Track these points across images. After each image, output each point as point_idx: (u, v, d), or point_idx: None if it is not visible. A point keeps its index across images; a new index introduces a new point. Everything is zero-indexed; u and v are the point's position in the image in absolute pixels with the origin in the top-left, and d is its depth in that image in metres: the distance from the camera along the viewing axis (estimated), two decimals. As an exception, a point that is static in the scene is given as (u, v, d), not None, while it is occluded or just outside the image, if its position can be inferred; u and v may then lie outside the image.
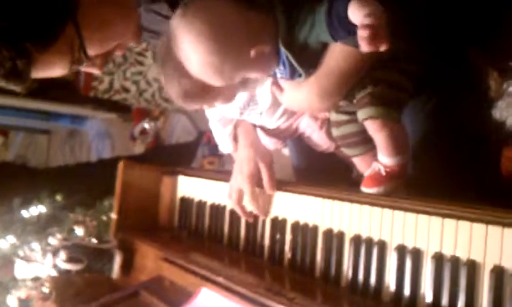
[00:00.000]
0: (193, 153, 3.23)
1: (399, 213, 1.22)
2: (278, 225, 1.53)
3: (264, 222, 1.58)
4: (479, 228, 1.07)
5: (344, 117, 1.40)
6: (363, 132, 1.36)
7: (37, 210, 2.28)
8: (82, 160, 4.52)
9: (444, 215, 1.13)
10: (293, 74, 1.26)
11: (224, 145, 1.70)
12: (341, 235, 1.34)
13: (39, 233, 2.18)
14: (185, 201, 1.97)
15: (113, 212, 2.00)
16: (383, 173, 1.29)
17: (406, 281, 1.18)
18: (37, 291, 1.73)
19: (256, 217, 1.59)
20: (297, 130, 1.73)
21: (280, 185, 1.56)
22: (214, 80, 1.21)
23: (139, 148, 3.96)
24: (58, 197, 2.39)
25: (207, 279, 1.45)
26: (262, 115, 1.58)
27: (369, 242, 1.27)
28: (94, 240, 1.95)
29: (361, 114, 1.27)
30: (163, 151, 3.45)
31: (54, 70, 1.13)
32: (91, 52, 1.15)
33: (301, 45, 1.19)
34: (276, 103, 1.50)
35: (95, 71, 1.24)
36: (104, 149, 4.56)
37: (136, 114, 4.06)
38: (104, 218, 2.32)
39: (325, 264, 1.37)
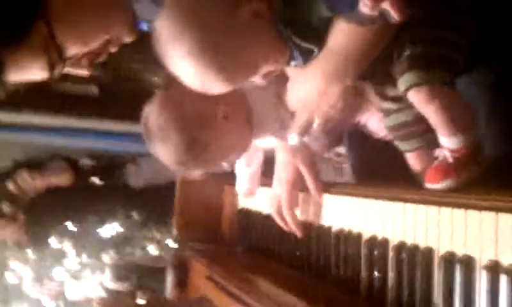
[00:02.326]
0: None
1: (445, 211, 0.92)
2: (322, 235, 1.29)
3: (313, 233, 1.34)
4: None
5: (392, 105, 1.13)
6: (419, 122, 1.08)
7: (112, 228, 2.24)
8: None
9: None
10: (307, 56, 1.02)
11: (241, 184, 1.51)
12: (385, 243, 1.06)
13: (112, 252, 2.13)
14: (243, 213, 1.79)
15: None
16: (450, 160, 0.99)
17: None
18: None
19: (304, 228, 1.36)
20: (353, 120, 1.46)
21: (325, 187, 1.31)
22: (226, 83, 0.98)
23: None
24: (134, 216, 2.34)
25: (244, 303, 1.26)
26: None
27: (414, 250, 0.98)
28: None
29: (402, 85, 0.99)
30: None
31: (31, 72, 1.01)
32: (73, 50, 1.01)
33: (303, 20, 0.96)
34: None
35: (82, 73, 1.09)
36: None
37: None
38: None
39: (368, 279, 1.10)
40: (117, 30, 1.06)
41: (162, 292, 1.70)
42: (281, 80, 1.10)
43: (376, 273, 1.08)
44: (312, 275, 1.32)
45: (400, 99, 1.06)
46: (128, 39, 1.13)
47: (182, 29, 0.92)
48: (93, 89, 3.94)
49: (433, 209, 0.94)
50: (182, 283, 1.69)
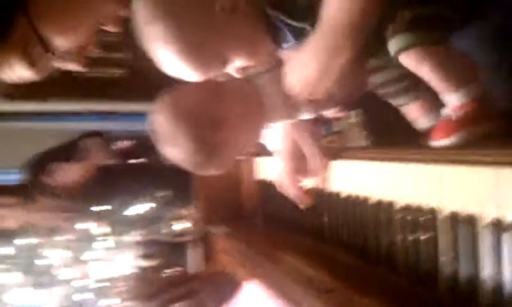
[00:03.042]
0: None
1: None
2: (333, 202, 1.28)
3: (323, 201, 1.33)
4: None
5: (380, 62, 1.10)
6: (406, 78, 1.06)
7: (139, 208, 2.28)
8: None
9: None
10: (300, 35, 0.99)
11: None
12: (390, 206, 1.05)
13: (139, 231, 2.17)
14: (262, 184, 1.79)
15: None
16: (455, 118, 0.96)
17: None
18: (116, 291, 1.69)
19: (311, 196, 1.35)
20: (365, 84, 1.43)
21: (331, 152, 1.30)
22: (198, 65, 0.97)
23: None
24: (160, 194, 2.37)
25: (263, 277, 1.28)
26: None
27: (419, 212, 0.96)
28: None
29: (391, 48, 0.96)
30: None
31: (20, 70, 0.96)
32: (59, 43, 0.96)
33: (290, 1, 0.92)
34: None
35: (77, 68, 1.03)
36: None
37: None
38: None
39: (377, 246, 1.09)
40: (105, 12, 1.00)
41: (187, 267, 1.73)
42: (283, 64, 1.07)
43: (382, 237, 1.07)
44: (326, 242, 1.32)
45: (388, 56, 1.04)
46: (113, 30, 1.06)
47: (155, 12, 0.91)
48: (118, 72, 3.96)
49: (433, 168, 0.92)
50: (205, 257, 1.72)
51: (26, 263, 2.25)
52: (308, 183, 1.34)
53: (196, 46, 0.92)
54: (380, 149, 1.14)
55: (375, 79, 1.13)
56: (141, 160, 2.81)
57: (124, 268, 1.79)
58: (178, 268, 1.76)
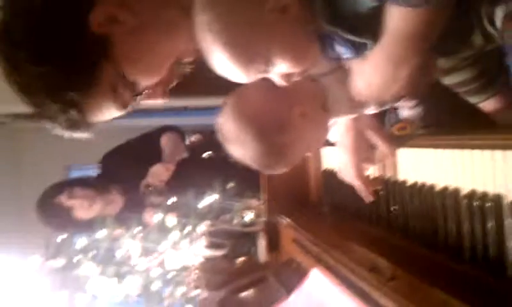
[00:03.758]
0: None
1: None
2: (397, 190, 1.27)
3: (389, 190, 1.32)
4: None
5: (455, 62, 1.08)
6: (483, 75, 1.03)
7: (209, 199, 2.35)
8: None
9: None
10: (359, 49, 0.97)
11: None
12: (455, 193, 1.03)
13: (210, 221, 2.23)
14: (328, 174, 1.79)
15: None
16: None
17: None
18: (189, 280, 1.76)
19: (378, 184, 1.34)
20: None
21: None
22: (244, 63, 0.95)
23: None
24: (230, 185, 2.42)
25: (329, 265, 1.30)
26: None
27: (484, 198, 0.94)
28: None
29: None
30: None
31: (110, 110, 1.05)
32: (144, 82, 1.04)
33: (350, 14, 0.88)
34: None
35: (161, 100, 1.10)
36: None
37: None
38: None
39: (443, 233, 1.08)
40: (182, 47, 1.06)
41: (255, 256, 1.77)
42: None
43: (448, 224, 1.06)
44: (391, 231, 1.31)
45: (466, 58, 1.01)
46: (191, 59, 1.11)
47: (206, 2, 0.92)
48: (187, 68, 4.04)
49: (498, 153, 0.90)
50: (273, 246, 1.75)
51: (105, 254, 2.38)
52: (373, 172, 1.33)
53: (239, 40, 0.92)
54: (444, 135, 1.11)
55: (449, 80, 1.10)
56: (211, 153, 2.88)
57: (196, 258, 1.85)
58: (247, 257, 1.81)
